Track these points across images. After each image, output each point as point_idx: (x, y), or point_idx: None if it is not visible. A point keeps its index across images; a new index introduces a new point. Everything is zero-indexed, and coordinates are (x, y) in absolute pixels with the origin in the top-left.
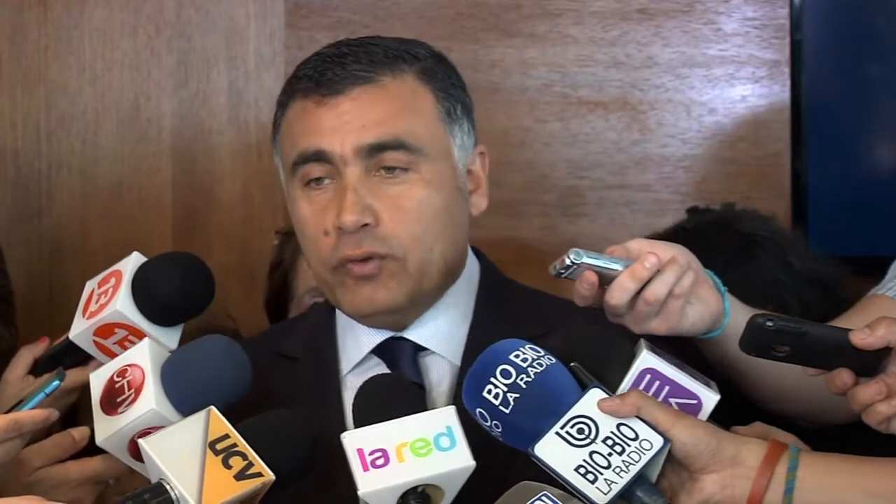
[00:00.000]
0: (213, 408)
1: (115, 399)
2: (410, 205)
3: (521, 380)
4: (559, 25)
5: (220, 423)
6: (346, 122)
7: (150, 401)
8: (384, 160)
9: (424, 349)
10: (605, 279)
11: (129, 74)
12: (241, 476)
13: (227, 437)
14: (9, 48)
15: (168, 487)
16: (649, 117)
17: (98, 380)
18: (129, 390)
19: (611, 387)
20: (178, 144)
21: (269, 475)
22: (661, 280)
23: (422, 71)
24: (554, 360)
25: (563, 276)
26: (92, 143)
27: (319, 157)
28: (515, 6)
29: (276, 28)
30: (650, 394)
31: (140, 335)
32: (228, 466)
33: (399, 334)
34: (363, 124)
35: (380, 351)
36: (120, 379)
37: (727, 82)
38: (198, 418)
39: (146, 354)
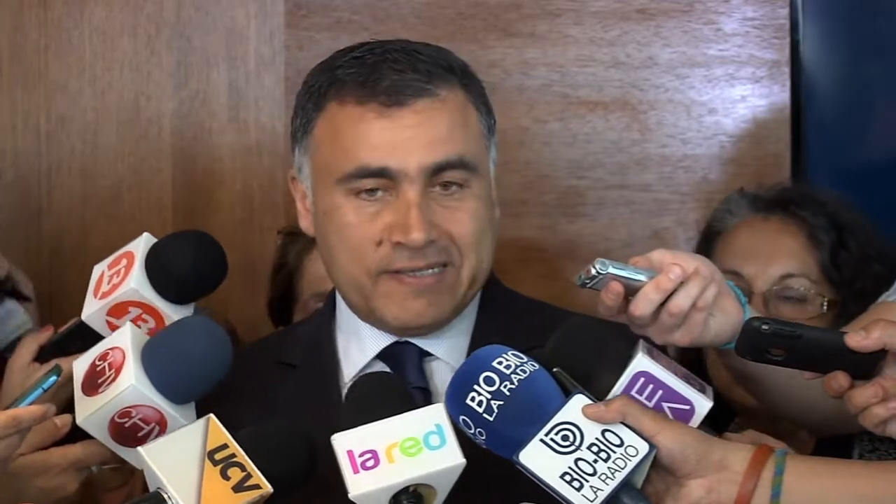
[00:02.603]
0: (212, 416)
1: (96, 381)
2: (466, 217)
3: (505, 387)
4: (559, 25)
5: (220, 432)
6: (411, 137)
7: (130, 377)
8: (443, 177)
9: (429, 354)
10: (630, 290)
11: (129, 74)
12: (239, 488)
13: (225, 446)
14: (9, 48)
15: (166, 496)
16: (649, 117)
17: (80, 366)
18: (109, 371)
19: (604, 389)
20: (178, 144)
21: (267, 487)
22: (684, 292)
23: (463, 83)
24: (537, 367)
25: (588, 286)
26: (92, 143)
27: (382, 173)
28: (515, 6)
29: (276, 28)
30: (643, 397)
31: (154, 313)
32: (227, 478)
33: (405, 339)
34: (429, 141)
35: (384, 356)
36: (101, 362)
37: (727, 82)
38: (197, 427)
39: (127, 336)
